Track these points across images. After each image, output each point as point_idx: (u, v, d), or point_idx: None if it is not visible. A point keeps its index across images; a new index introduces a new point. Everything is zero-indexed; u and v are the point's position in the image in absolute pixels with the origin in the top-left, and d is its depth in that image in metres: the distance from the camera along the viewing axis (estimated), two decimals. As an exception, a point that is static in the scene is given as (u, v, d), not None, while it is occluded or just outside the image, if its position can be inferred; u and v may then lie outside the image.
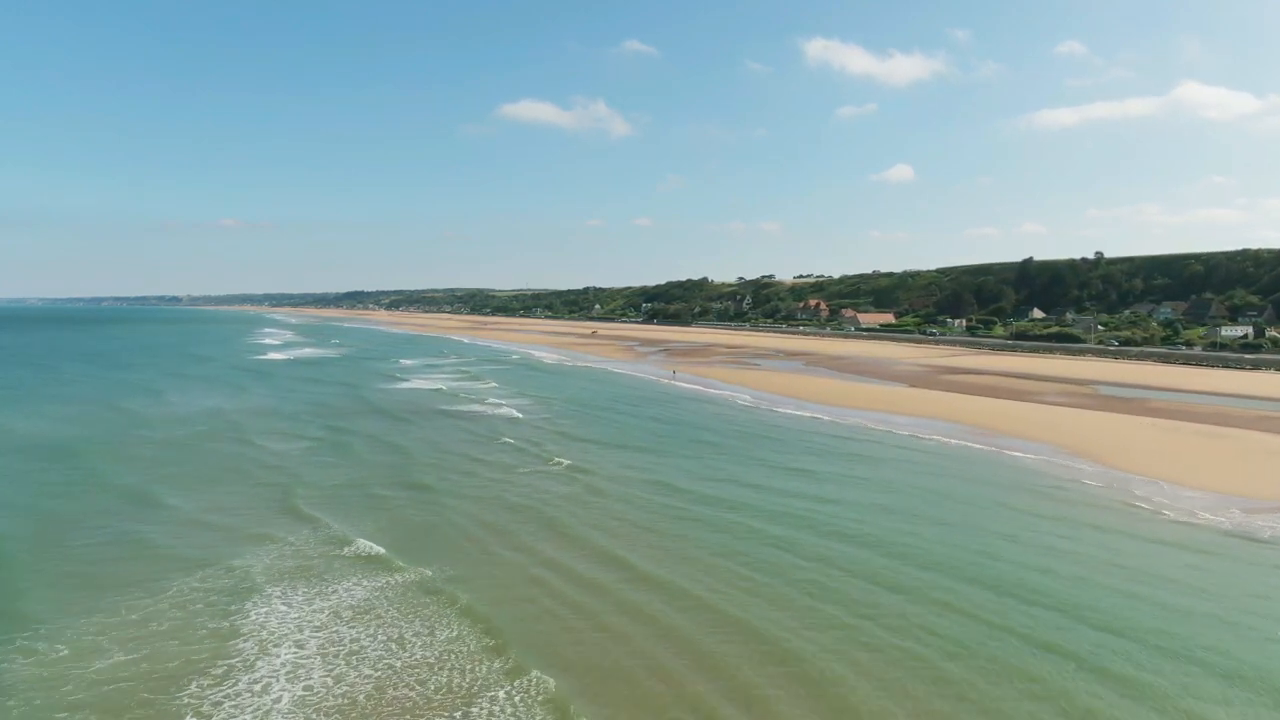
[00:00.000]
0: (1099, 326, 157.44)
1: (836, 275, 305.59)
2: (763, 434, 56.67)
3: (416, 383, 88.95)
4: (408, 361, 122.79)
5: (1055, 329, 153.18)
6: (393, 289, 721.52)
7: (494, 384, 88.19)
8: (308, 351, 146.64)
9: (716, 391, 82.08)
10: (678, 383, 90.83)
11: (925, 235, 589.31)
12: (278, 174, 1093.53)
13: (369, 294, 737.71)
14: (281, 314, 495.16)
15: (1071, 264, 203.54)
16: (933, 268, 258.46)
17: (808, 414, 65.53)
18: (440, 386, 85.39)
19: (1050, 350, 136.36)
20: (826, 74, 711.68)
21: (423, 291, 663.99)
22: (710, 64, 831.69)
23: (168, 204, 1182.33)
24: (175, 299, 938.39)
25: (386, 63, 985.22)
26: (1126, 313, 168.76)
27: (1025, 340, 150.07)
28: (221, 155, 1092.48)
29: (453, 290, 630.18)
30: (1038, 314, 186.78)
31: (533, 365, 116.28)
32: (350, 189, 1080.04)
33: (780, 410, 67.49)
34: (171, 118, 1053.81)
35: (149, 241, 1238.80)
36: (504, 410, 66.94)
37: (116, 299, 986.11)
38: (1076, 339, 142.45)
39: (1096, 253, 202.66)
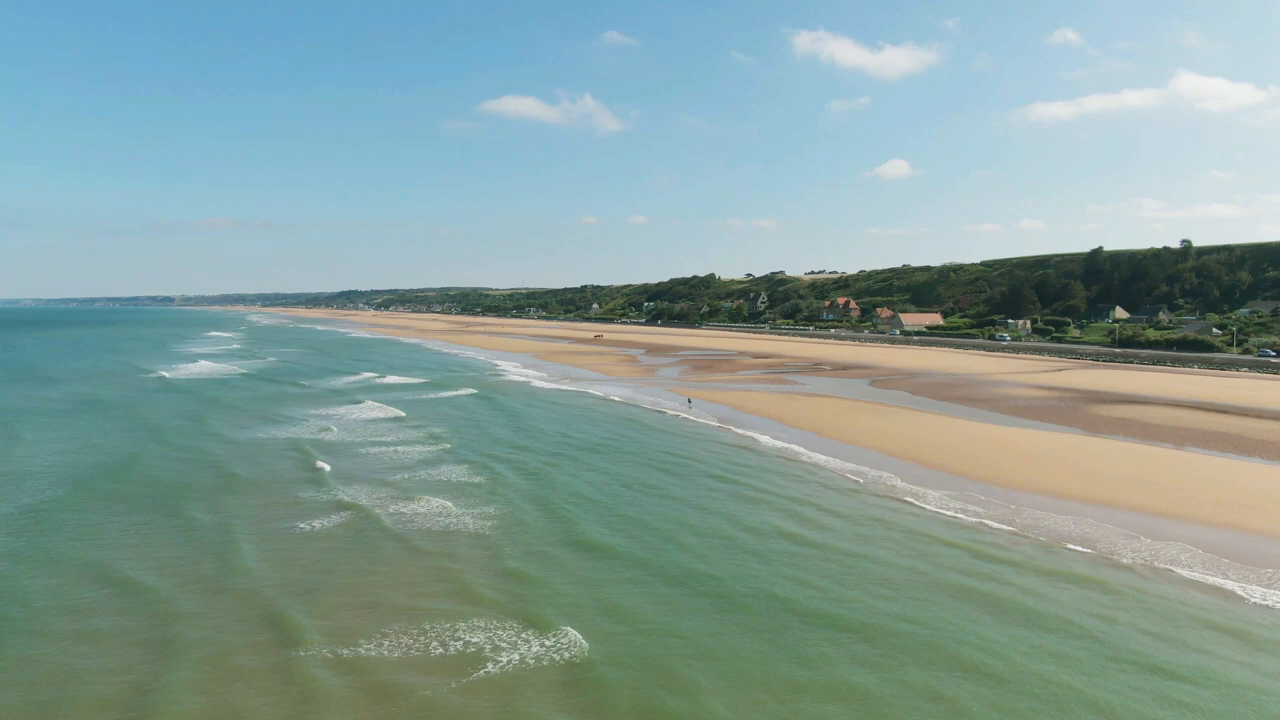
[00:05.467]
0: (1215, 330, 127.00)
1: (853, 270, 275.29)
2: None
3: (336, 421, 58.68)
4: (345, 380, 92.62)
5: (1176, 334, 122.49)
6: (386, 288, 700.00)
7: (441, 428, 57.79)
8: (238, 363, 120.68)
9: (781, 444, 51.50)
10: (718, 423, 60.40)
11: (924, 232, 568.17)
12: (270, 173, 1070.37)
13: (362, 294, 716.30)
14: (260, 315, 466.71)
15: (1155, 254, 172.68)
16: (976, 260, 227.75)
17: (1025, 515, 34.78)
18: (356, 436, 55.03)
19: (1182, 362, 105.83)
20: (816, 66, 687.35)
21: (416, 291, 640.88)
22: (695, 55, 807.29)
23: (161, 204, 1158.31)
24: (168, 299, 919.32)
25: (370, 62, 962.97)
26: (1243, 311, 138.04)
27: (1136, 348, 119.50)
28: (213, 155, 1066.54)
29: (446, 290, 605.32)
30: (1121, 313, 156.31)
31: (509, 391, 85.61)
32: (342, 188, 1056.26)
33: (949, 514, 36.81)
34: (164, 118, 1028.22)
35: (144, 242, 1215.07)
36: (441, 508, 36.43)
37: (110, 300, 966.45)
38: (1211, 347, 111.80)
39: (1183, 241, 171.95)
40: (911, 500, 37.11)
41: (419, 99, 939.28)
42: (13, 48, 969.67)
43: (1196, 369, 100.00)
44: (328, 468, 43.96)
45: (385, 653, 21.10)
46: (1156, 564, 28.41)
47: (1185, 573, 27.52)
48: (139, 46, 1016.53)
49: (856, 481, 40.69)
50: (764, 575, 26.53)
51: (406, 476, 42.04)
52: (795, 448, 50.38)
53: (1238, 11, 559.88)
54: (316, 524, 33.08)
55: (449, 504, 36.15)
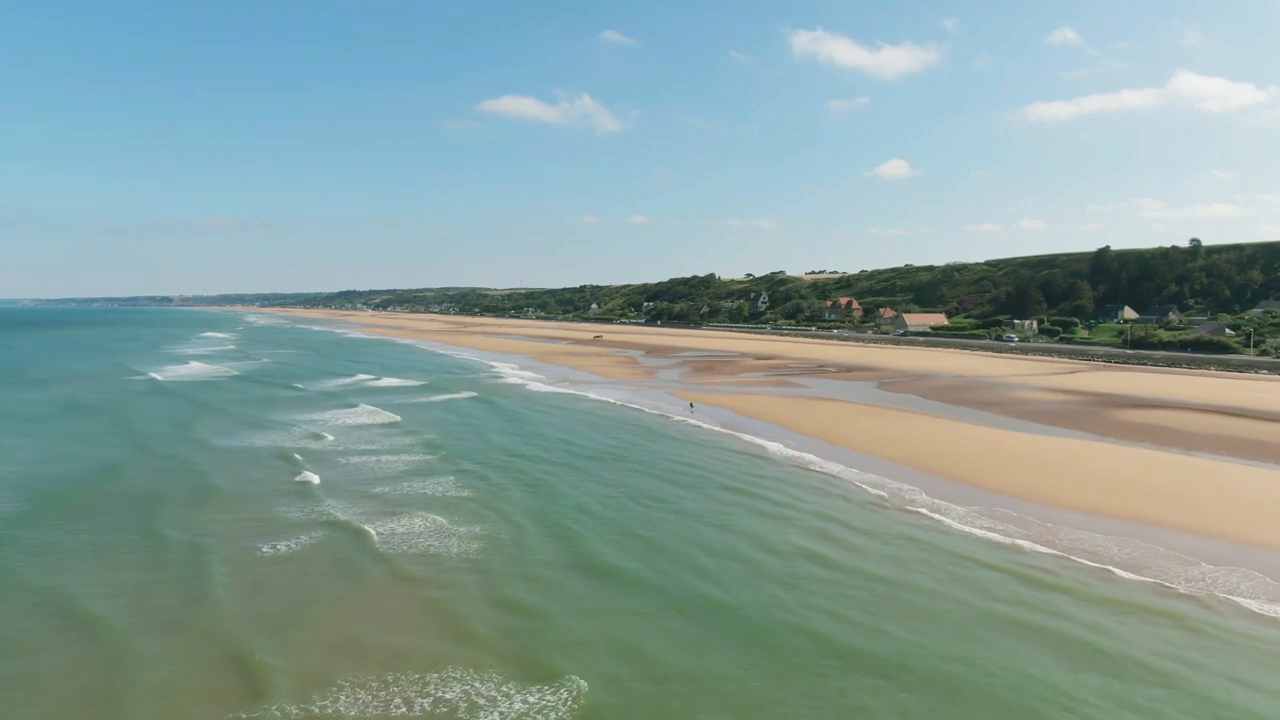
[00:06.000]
0: (1228, 330, 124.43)
1: (855, 270, 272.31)
2: None
3: (324, 426, 55.96)
4: (336, 383, 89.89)
5: (1190, 335, 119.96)
6: (385, 289, 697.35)
7: (434, 435, 55.13)
8: (230, 364, 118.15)
9: (792, 452, 48.81)
10: (724, 428, 57.68)
11: (924, 232, 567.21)
12: (270, 173, 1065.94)
13: (361, 294, 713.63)
14: (257, 315, 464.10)
15: (1163, 253, 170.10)
16: (980, 260, 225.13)
17: (1062, 534, 31.93)
18: (344, 444, 52.29)
19: (1198, 364, 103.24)
20: (815, 66, 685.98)
21: (415, 291, 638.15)
22: (693, 55, 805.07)
23: (160, 204, 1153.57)
24: (167, 299, 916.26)
25: (370, 62, 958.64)
26: (1257, 312, 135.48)
27: (1148, 349, 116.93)
28: (213, 155, 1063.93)
29: (445, 290, 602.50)
30: (1130, 314, 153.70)
31: (505, 394, 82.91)
32: (342, 188, 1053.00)
33: (981, 533, 34.05)
34: (164, 118, 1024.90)
35: (143, 242, 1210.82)
36: (433, 526, 33.66)
37: (109, 300, 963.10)
38: (1226, 348, 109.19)
39: (1193, 240, 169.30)
40: (939, 517, 34.39)
41: (418, 99, 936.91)
42: (13, 48, 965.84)
43: (1213, 371, 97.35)
44: (314, 479, 41.21)
45: (357, 707, 18.34)
46: (1218, 593, 25.70)
47: (1252, 604, 24.80)
48: (139, 46, 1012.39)
49: (879, 495, 37.93)
50: (791, 605, 23.81)
51: (396, 489, 39.30)
52: (807, 456, 47.66)
53: (1237, 11, 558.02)
54: (296, 544, 30.34)
55: (442, 520, 33.42)
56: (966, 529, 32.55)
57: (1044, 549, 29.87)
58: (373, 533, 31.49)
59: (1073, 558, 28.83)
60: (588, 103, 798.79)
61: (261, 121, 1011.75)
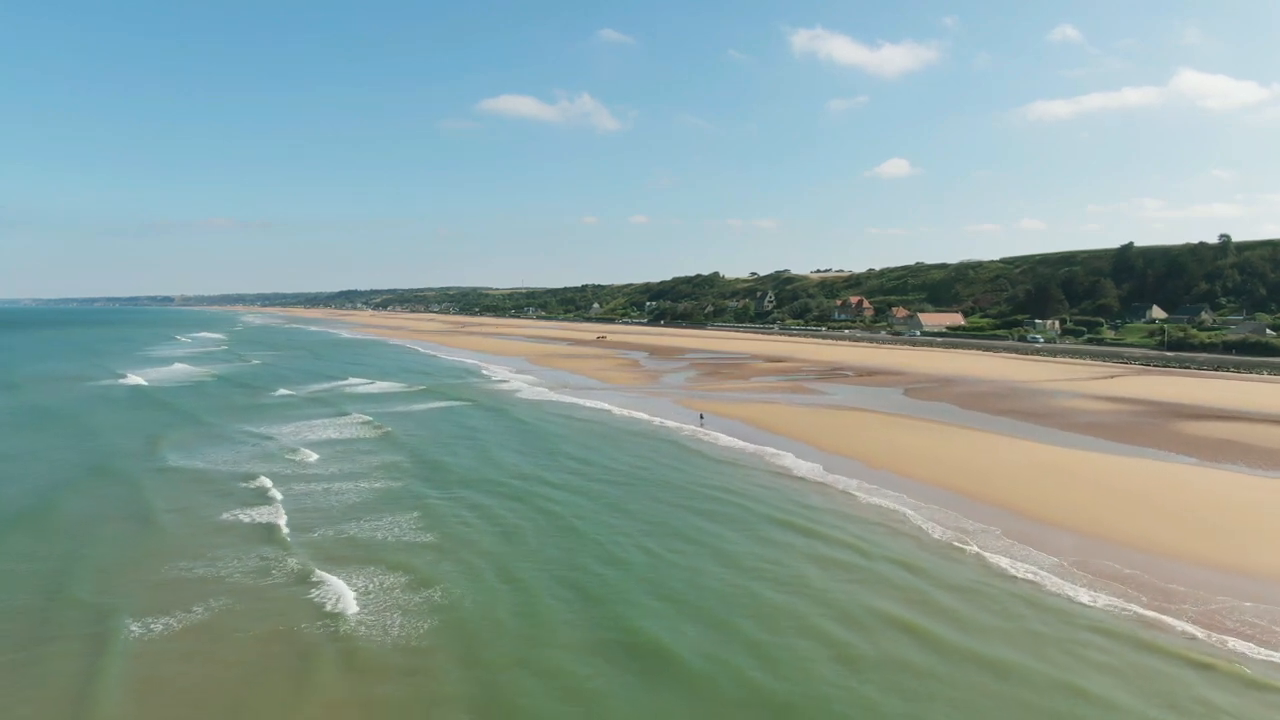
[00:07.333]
0: (1269, 330, 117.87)
1: (860, 270, 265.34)
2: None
3: (294, 439, 49.43)
4: (321, 388, 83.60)
5: (1234, 337, 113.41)
6: (386, 288, 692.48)
7: (422, 452, 48.56)
8: (215, 366, 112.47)
9: (831, 477, 42.15)
10: (744, 444, 51.02)
11: (924, 232, 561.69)
12: (270, 173, 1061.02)
13: (361, 293, 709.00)
14: (255, 315, 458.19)
15: (1192, 250, 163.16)
16: (996, 258, 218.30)
17: (1209, 603, 24.89)
18: (318, 464, 45.74)
19: (1246, 367, 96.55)
20: (814, 65, 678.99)
21: (416, 291, 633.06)
22: (692, 54, 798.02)
23: (161, 204, 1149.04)
24: (168, 299, 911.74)
25: (369, 62, 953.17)
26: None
27: (1190, 351, 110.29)
28: (213, 155, 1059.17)
29: (446, 290, 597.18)
30: (1159, 313, 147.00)
31: (503, 402, 76.35)
32: (342, 188, 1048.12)
33: (1090, 596, 27.21)
34: (164, 118, 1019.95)
35: (144, 242, 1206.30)
36: (413, 584, 27.14)
37: (110, 299, 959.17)
38: (1275, 349, 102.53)
39: (1222, 236, 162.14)
40: (1041, 571, 27.69)
41: (418, 99, 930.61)
42: (13, 48, 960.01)
43: (1266, 375, 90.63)
44: (279, 516, 34.76)
45: None
46: None
47: None
48: (139, 46, 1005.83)
49: (954, 537, 31.18)
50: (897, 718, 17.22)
51: (375, 529, 32.66)
52: (850, 481, 41.06)
53: (1239, 9, 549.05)
54: (233, 614, 23.75)
55: (427, 574, 26.89)
56: (1078, 592, 25.86)
57: (1187, 627, 23.29)
58: (335, 597, 24.93)
59: (1228, 641, 22.17)
60: (587, 102, 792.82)
61: (261, 121, 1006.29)
